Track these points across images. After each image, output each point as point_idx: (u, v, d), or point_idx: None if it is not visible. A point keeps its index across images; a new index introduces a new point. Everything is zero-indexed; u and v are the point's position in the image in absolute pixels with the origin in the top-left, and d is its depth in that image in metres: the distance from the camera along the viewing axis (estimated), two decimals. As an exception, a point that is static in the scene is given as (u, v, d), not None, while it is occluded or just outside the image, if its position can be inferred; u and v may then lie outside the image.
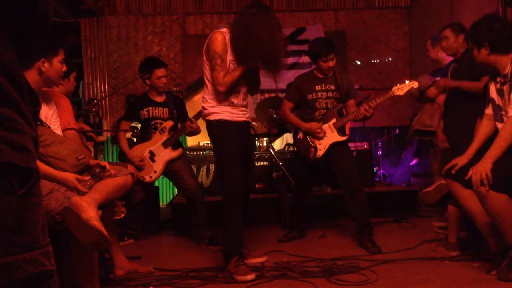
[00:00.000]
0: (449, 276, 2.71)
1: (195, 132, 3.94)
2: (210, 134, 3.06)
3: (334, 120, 3.63)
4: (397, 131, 6.46)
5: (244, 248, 3.21)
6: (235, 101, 3.02)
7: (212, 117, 3.00)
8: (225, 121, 2.97)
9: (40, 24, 0.88)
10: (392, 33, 7.24)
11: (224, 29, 2.95)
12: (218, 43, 2.86)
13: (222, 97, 2.97)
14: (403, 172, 6.30)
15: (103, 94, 6.84)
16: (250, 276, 2.79)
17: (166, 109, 4.00)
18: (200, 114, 3.78)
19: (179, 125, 4.00)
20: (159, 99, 4.02)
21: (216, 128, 2.99)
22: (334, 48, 3.59)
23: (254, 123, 5.47)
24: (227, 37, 2.90)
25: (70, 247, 2.20)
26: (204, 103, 3.05)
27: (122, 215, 2.77)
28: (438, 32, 3.84)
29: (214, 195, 4.79)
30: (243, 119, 3.08)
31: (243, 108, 3.09)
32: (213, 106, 2.99)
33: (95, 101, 6.19)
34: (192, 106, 5.87)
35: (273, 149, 5.10)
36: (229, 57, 2.91)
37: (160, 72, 3.92)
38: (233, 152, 2.95)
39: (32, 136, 0.80)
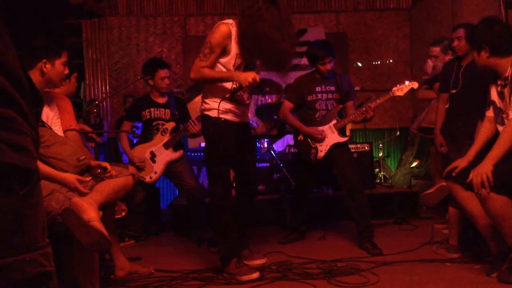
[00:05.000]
0: (449, 278, 2.70)
1: (198, 134, 3.92)
2: (206, 131, 2.89)
3: (334, 121, 3.63)
4: (398, 132, 6.45)
5: (247, 249, 3.20)
6: (240, 98, 2.88)
7: (212, 113, 2.83)
8: (226, 121, 2.84)
9: (41, 24, 0.88)
10: (393, 34, 7.24)
11: (231, 20, 2.78)
12: (218, 35, 2.71)
13: (228, 92, 2.81)
14: (403, 173, 6.28)
15: (104, 95, 6.85)
16: (255, 275, 2.78)
17: (167, 110, 4.00)
18: None
19: (181, 126, 4.00)
20: (161, 100, 4.03)
21: (214, 127, 2.83)
22: (332, 50, 3.57)
23: (255, 125, 5.48)
24: (234, 30, 2.74)
25: (71, 248, 2.20)
26: (206, 98, 2.89)
27: (123, 213, 2.77)
28: (449, 36, 3.78)
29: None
30: (244, 120, 3.01)
31: (245, 109, 3.00)
32: (215, 102, 2.81)
33: (96, 102, 6.20)
34: (193, 107, 5.86)
35: (274, 151, 5.10)
36: (236, 51, 2.78)
37: (163, 73, 3.92)
38: (227, 155, 2.86)
39: (32, 137, 0.80)
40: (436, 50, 4.18)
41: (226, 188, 2.89)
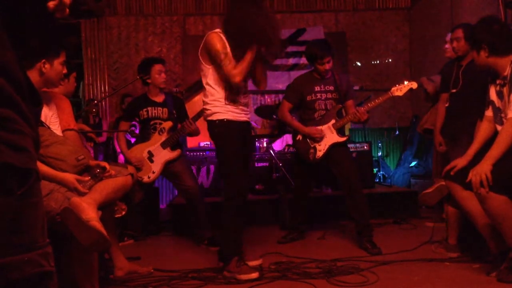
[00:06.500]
0: (449, 277, 2.71)
1: (194, 133, 3.93)
2: (213, 134, 2.99)
3: (333, 121, 3.63)
4: (397, 132, 6.46)
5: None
6: (236, 98, 2.95)
7: (214, 117, 2.93)
8: (229, 121, 2.91)
9: (40, 24, 0.88)
10: (392, 34, 7.24)
11: (217, 30, 2.92)
12: (216, 41, 2.83)
13: (223, 96, 2.91)
14: (403, 173, 6.29)
15: (103, 95, 6.84)
16: (255, 275, 2.80)
17: (165, 109, 3.99)
18: (199, 115, 3.76)
19: (179, 125, 4.00)
20: (158, 99, 4.02)
21: (219, 128, 2.93)
22: (331, 50, 3.57)
23: (255, 125, 5.48)
24: (222, 35, 2.87)
25: (70, 248, 2.20)
26: (205, 105, 3.00)
27: (123, 213, 2.76)
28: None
29: (214, 195, 4.79)
30: (245, 119, 3.03)
31: (245, 108, 3.02)
32: (215, 106, 2.93)
33: (95, 101, 6.19)
34: (192, 106, 5.86)
35: (273, 150, 5.10)
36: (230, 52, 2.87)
37: (158, 66, 3.93)
38: (237, 153, 2.92)
39: (32, 137, 0.80)
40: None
41: (238, 188, 2.92)
